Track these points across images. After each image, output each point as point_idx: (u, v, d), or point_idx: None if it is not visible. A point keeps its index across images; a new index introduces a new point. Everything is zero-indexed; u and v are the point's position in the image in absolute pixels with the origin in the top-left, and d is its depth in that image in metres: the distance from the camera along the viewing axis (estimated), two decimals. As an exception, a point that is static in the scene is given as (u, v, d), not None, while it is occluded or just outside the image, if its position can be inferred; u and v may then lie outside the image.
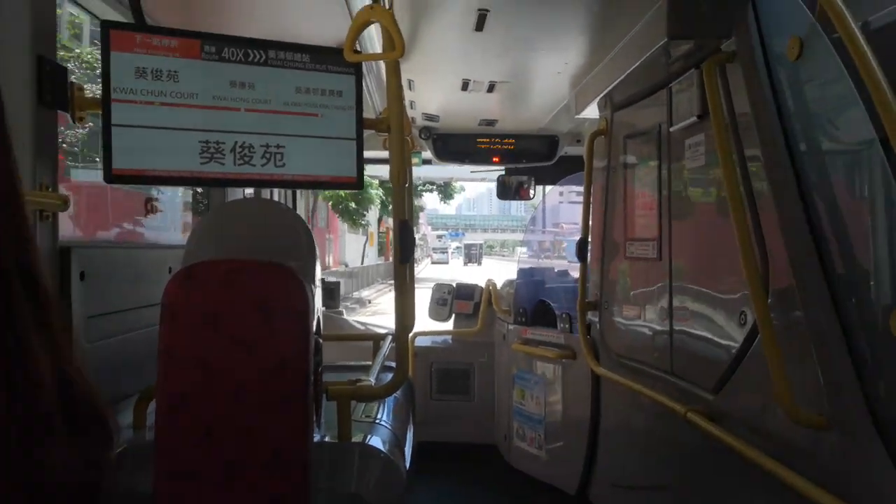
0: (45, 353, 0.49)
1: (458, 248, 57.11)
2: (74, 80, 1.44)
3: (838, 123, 1.39)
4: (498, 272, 4.23)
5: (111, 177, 1.48)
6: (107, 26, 1.46)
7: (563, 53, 2.46)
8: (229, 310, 1.30)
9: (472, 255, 50.10)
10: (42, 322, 0.50)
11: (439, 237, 59.93)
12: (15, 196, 0.50)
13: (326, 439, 1.64)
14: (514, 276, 3.94)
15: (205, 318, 1.29)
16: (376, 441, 1.73)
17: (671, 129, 2.03)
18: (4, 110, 0.51)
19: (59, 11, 1.51)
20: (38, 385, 0.48)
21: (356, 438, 1.67)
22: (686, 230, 2.01)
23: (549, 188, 4.38)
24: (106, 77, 1.45)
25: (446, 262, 48.97)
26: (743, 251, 1.47)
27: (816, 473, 1.25)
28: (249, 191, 2.53)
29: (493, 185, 4.12)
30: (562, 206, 5.52)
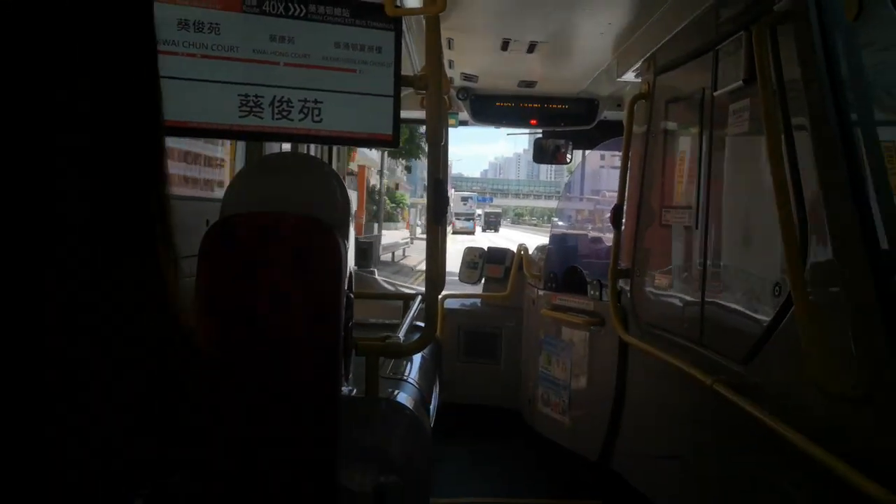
0: (172, 275, 0.56)
1: (479, 214, 52.79)
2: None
3: (894, 91, 1.34)
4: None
5: None
6: None
7: (607, 13, 2.40)
8: (265, 261, 1.32)
9: (490, 223, 52.46)
10: (169, 248, 0.57)
11: (464, 200, 50.54)
12: (161, 144, 0.55)
13: (354, 393, 1.68)
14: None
15: (240, 269, 1.32)
16: (403, 397, 1.77)
17: (715, 94, 1.97)
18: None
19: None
20: (167, 306, 0.55)
21: (383, 394, 1.70)
22: (724, 199, 1.97)
23: (588, 152, 4.29)
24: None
25: (471, 232, 42.00)
26: (782, 220, 1.44)
27: (847, 448, 1.24)
28: (287, 145, 2.55)
29: (520, 150, 4.07)
30: (603, 171, 5.02)
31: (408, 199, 38.52)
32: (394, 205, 34.07)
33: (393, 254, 18.86)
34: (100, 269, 0.48)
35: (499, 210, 62.42)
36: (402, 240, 24.55)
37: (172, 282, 0.56)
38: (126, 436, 0.49)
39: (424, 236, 1.81)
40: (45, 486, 0.45)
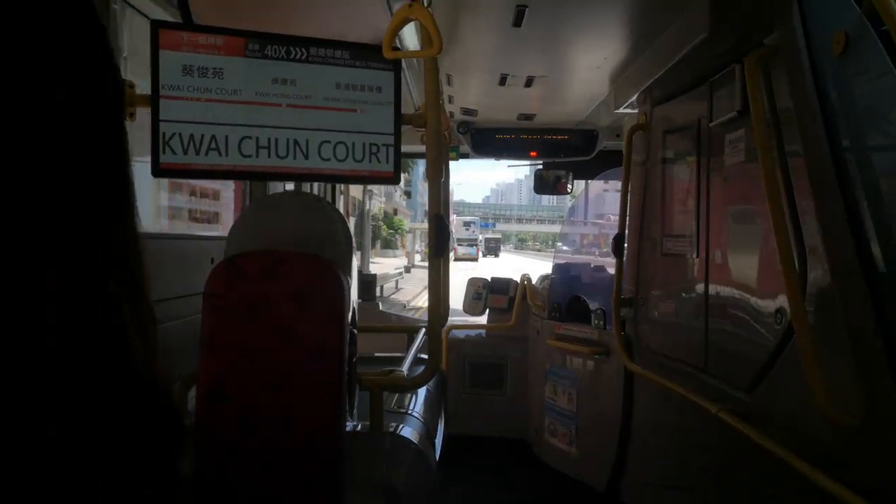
0: (140, 344, 0.52)
1: (481, 240, 51.19)
2: (125, 78, 1.50)
3: (883, 120, 1.36)
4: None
5: (159, 170, 1.54)
6: (156, 26, 1.52)
7: (603, 48, 2.45)
8: (269, 299, 1.34)
9: (490, 248, 53.55)
10: (137, 316, 0.53)
11: (467, 225, 48.62)
12: (129, 186, 0.54)
13: (359, 428, 1.68)
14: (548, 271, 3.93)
15: (245, 307, 1.34)
16: (407, 431, 1.77)
17: (711, 125, 2.00)
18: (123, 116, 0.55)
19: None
20: (138, 382, 0.51)
21: (388, 428, 1.70)
22: (724, 227, 1.99)
23: (594, 176, 4.29)
24: (155, 74, 1.51)
25: (475, 258, 40.30)
26: (780, 249, 1.45)
27: (850, 477, 1.23)
28: (290, 185, 2.58)
29: (521, 175, 4.12)
30: (607, 194, 4.89)
31: (406, 225, 37.05)
32: (391, 231, 32.46)
33: (382, 287, 17.33)
34: (54, 331, 0.45)
35: (498, 236, 61.47)
36: (394, 270, 22.76)
37: (137, 337, 0.52)
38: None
39: (425, 264, 1.83)
40: None
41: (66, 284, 0.47)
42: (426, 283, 1.78)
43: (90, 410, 0.47)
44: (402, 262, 30.31)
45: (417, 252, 35.88)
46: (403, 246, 37.59)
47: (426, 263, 1.80)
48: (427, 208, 1.71)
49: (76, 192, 0.49)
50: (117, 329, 0.50)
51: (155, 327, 0.56)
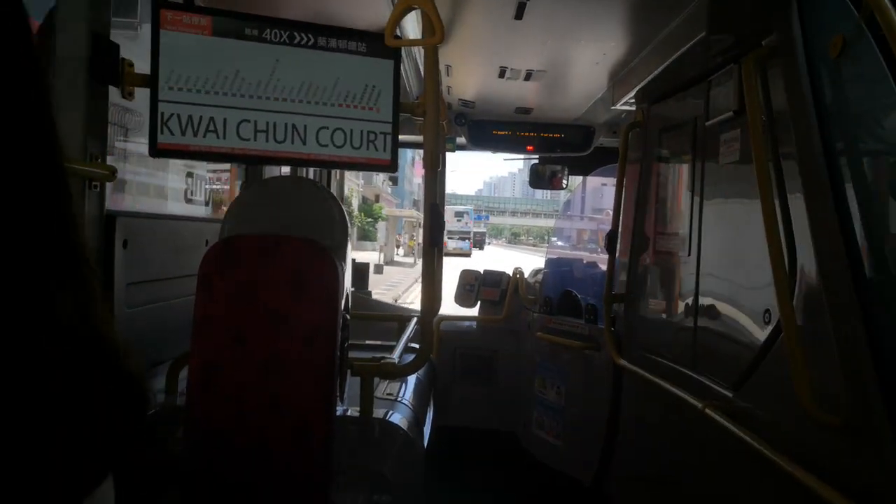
0: (71, 301, 0.51)
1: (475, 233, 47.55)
2: (125, 57, 1.49)
3: (877, 124, 1.38)
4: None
5: (156, 151, 1.54)
6: (157, 5, 1.52)
7: (602, 44, 2.46)
8: (263, 282, 1.35)
9: (476, 242, 52.28)
10: (72, 274, 0.52)
11: (459, 216, 43.97)
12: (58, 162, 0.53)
13: (349, 413, 1.69)
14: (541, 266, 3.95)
15: (239, 289, 1.35)
16: (396, 418, 1.78)
17: (707, 124, 2.01)
18: (51, 89, 0.54)
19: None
20: (57, 328, 0.50)
21: (377, 414, 1.72)
22: (716, 226, 2.01)
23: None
24: (155, 54, 1.51)
25: (468, 253, 36.66)
26: (771, 250, 1.47)
27: (834, 475, 1.25)
28: (286, 169, 2.58)
29: (514, 169, 4.11)
30: (605, 188, 4.72)
31: (383, 211, 32.48)
32: (370, 220, 27.79)
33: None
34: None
35: (483, 229, 56.54)
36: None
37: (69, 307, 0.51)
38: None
39: (406, 259, 1.83)
40: None
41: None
42: (403, 286, 1.79)
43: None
44: (376, 256, 26.72)
45: (400, 245, 32.88)
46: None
47: (409, 259, 1.80)
48: (415, 196, 1.72)
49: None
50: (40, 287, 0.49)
51: (94, 286, 0.55)
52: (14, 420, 0.45)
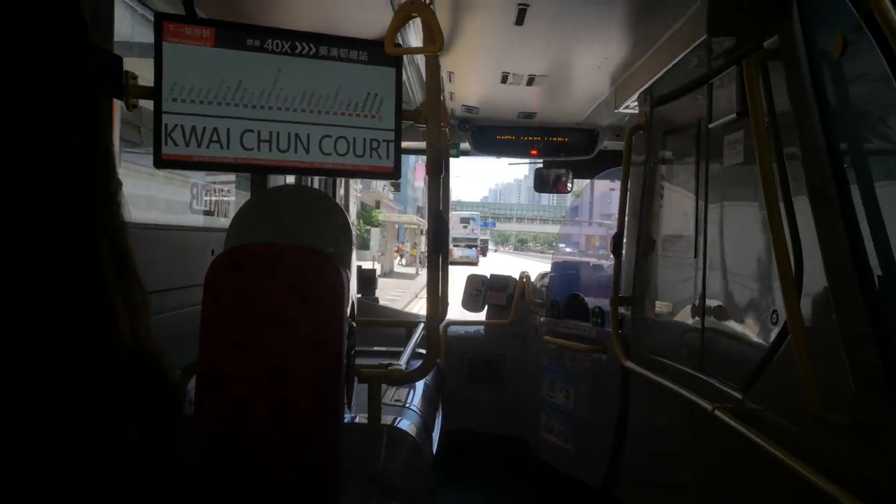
0: (126, 313, 0.53)
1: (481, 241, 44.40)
2: (128, 70, 1.51)
3: (880, 123, 1.37)
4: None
5: (161, 162, 1.55)
6: (160, 18, 1.53)
7: (604, 48, 2.46)
8: (268, 291, 1.35)
9: (480, 248, 50.69)
10: (124, 283, 0.54)
11: (465, 222, 41.05)
12: (111, 160, 0.55)
13: (357, 420, 1.69)
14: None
15: (244, 298, 1.36)
16: (405, 424, 1.78)
17: (710, 126, 2.01)
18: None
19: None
20: (118, 345, 0.52)
21: (385, 421, 1.72)
22: (722, 228, 2.00)
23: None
24: (158, 66, 1.52)
25: (475, 262, 34.15)
26: (777, 250, 1.46)
27: (845, 477, 1.25)
28: (290, 178, 2.59)
29: (520, 175, 4.10)
30: (614, 193, 4.56)
31: (379, 216, 29.93)
32: (369, 228, 26.28)
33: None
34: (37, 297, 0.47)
35: (486, 237, 52.79)
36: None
37: (123, 312, 0.53)
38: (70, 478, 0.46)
39: (408, 270, 1.83)
40: None
41: (56, 254, 0.48)
42: (401, 303, 1.79)
43: (73, 378, 0.48)
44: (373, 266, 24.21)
45: (403, 254, 31.10)
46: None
47: (410, 269, 1.81)
48: (419, 203, 1.73)
49: (62, 162, 0.50)
50: (103, 297, 0.51)
51: (144, 299, 0.57)
52: (66, 419, 0.47)
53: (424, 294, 1.89)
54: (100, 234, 0.52)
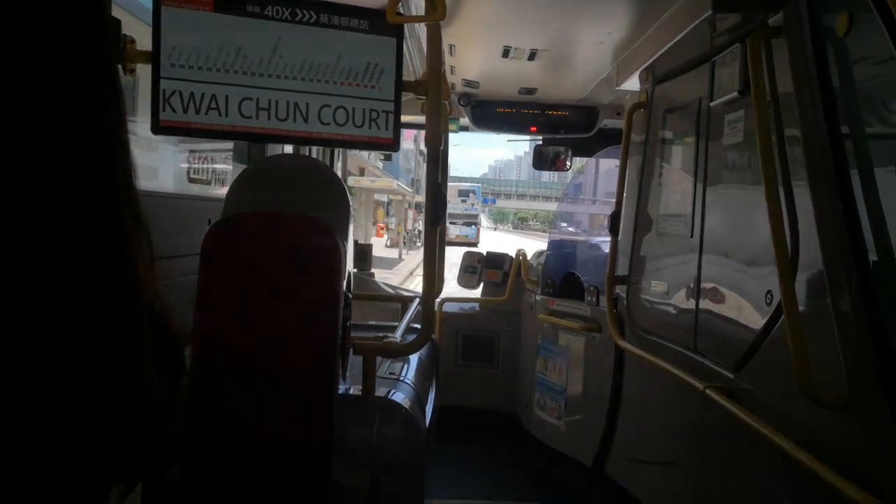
0: (145, 272, 0.56)
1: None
2: (126, 34, 1.48)
3: (884, 105, 1.37)
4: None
5: (158, 128, 1.53)
6: None
7: (606, 23, 2.43)
8: (264, 259, 1.35)
9: (468, 224, 48.06)
10: (139, 242, 0.57)
11: (464, 196, 37.25)
12: (125, 134, 0.57)
13: (351, 392, 1.70)
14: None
15: (240, 266, 1.35)
16: (399, 397, 1.79)
17: (711, 104, 2.00)
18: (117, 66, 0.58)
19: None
20: (139, 304, 0.55)
21: (380, 393, 1.73)
22: (719, 208, 2.00)
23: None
24: (156, 30, 1.50)
25: (474, 243, 30.27)
26: (773, 231, 1.47)
27: (834, 456, 1.26)
28: (289, 147, 2.57)
29: (520, 152, 4.08)
30: (615, 170, 4.51)
31: (349, 182, 25.54)
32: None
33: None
34: (64, 257, 0.49)
35: (475, 212, 48.47)
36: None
37: (146, 275, 0.56)
38: (94, 425, 0.49)
39: (390, 252, 1.82)
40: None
41: (79, 211, 0.50)
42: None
43: (98, 332, 0.51)
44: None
45: (386, 229, 26.78)
46: (376, 223, 26.42)
47: (392, 252, 1.80)
48: (412, 175, 1.72)
49: (80, 126, 0.51)
50: (127, 256, 0.54)
51: (153, 256, 0.59)
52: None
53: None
54: (117, 190, 0.55)
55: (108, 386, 0.51)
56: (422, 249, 1.80)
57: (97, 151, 0.53)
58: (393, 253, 21.70)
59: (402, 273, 15.18)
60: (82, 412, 0.48)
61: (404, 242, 24.04)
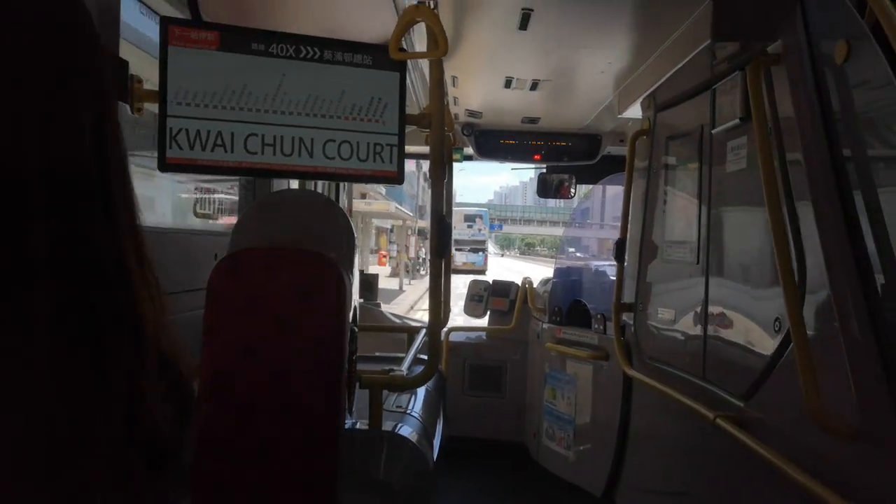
0: (150, 310, 0.57)
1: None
2: (133, 74, 1.51)
3: (884, 130, 1.37)
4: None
5: (165, 165, 1.55)
6: (166, 22, 1.53)
7: (607, 53, 2.46)
8: (270, 295, 1.35)
9: (475, 251, 45.97)
10: (146, 284, 0.57)
11: (469, 221, 35.44)
12: (126, 171, 0.59)
13: (357, 426, 1.69)
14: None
15: (247, 302, 1.35)
16: (406, 430, 1.78)
17: (713, 131, 2.01)
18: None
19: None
20: (143, 339, 0.55)
21: (386, 427, 1.71)
22: (724, 234, 2.00)
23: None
24: (163, 70, 1.52)
25: (482, 270, 28.03)
26: (779, 257, 1.46)
27: (846, 485, 1.24)
28: (294, 182, 2.60)
29: (525, 178, 4.08)
30: (620, 196, 4.42)
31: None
32: None
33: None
34: (67, 303, 0.49)
35: (482, 238, 44.63)
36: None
37: (150, 312, 0.57)
38: (99, 466, 0.50)
39: (390, 283, 1.82)
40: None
41: (78, 247, 0.51)
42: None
43: (103, 370, 0.51)
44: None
45: (391, 258, 25.14)
46: (379, 252, 24.82)
47: (393, 283, 1.80)
48: (419, 202, 1.72)
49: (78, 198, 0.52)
50: (130, 293, 0.55)
51: (162, 300, 0.60)
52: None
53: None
54: (118, 227, 0.55)
55: (114, 424, 0.51)
56: (425, 279, 1.80)
57: (97, 190, 0.53)
58: (394, 283, 19.91)
59: (403, 306, 13.97)
60: (88, 451, 0.48)
61: (406, 271, 22.60)
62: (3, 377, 0.45)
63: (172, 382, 0.59)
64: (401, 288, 19.28)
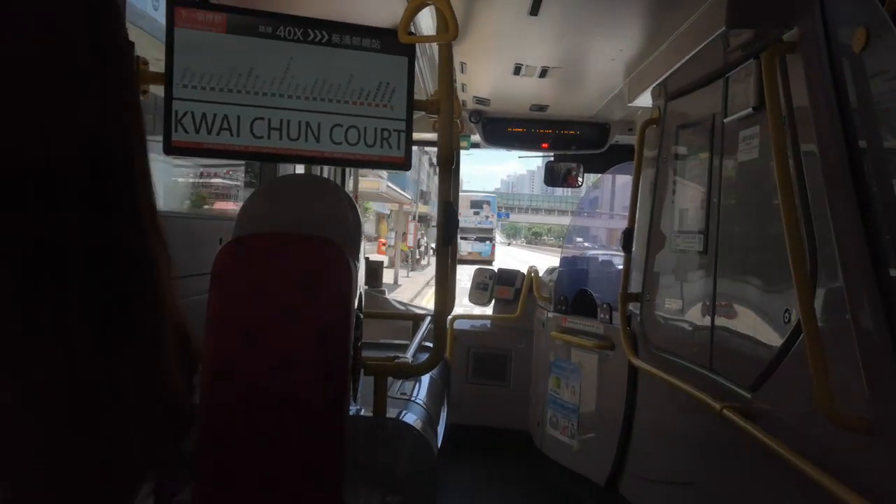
0: (168, 286, 0.61)
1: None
2: (139, 55, 1.50)
3: None
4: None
5: (170, 148, 1.54)
6: (172, 3, 1.52)
7: (619, 40, 2.43)
8: (275, 281, 1.34)
9: (480, 239, 44.74)
10: (166, 262, 0.62)
11: (476, 207, 34.01)
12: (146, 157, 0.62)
13: (362, 413, 1.69)
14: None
15: (251, 287, 1.35)
16: (410, 418, 1.77)
17: (725, 121, 1.98)
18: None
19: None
20: (164, 316, 0.60)
21: (391, 414, 1.71)
22: (734, 224, 1.98)
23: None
24: (169, 52, 1.51)
25: (488, 261, 25.68)
26: (791, 248, 1.44)
27: (855, 478, 1.23)
28: (300, 167, 2.58)
29: (533, 167, 4.07)
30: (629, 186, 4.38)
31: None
32: None
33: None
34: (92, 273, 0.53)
35: (490, 226, 41.14)
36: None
37: (168, 288, 0.61)
38: (124, 425, 0.55)
39: (385, 274, 1.81)
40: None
41: (107, 229, 0.55)
42: None
43: (127, 340, 0.56)
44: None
45: (387, 246, 21.39)
46: (379, 239, 21.79)
47: (388, 273, 1.78)
48: (422, 186, 1.71)
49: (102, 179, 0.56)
50: (152, 271, 0.60)
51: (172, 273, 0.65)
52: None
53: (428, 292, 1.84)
54: (144, 214, 0.59)
55: (143, 388, 0.56)
56: (425, 271, 1.79)
57: (123, 176, 0.57)
58: (388, 276, 16.19)
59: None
60: (123, 409, 0.54)
61: (405, 261, 20.57)
62: (48, 350, 0.50)
63: (185, 356, 0.65)
64: (396, 281, 17.02)
